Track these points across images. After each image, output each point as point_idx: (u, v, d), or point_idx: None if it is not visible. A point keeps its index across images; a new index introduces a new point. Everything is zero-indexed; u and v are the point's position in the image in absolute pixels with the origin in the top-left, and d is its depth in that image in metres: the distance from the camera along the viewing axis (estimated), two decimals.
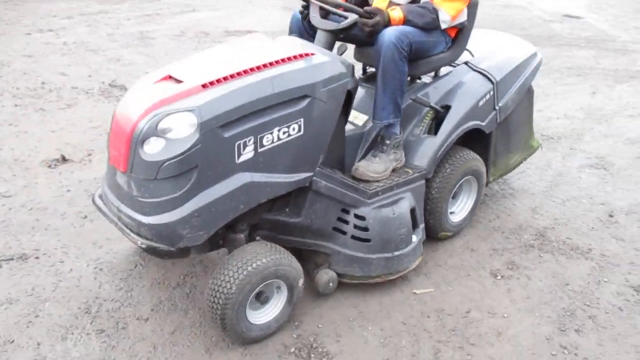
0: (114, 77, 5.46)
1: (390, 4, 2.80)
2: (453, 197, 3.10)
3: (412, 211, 2.78)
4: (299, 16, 2.81)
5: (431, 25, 2.70)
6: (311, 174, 2.44)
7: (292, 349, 2.39)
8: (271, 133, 2.26)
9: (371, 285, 2.74)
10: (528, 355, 2.45)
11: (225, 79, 2.21)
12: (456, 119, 2.93)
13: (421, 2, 2.75)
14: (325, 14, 2.70)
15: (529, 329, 2.60)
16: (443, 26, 2.74)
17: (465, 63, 3.13)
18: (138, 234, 2.21)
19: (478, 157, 3.11)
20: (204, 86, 2.18)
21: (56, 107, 4.73)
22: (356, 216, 2.62)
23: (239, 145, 2.19)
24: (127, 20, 7.58)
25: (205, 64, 2.38)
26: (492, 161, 3.30)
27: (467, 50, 3.10)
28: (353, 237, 2.62)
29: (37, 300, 2.59)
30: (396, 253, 2.68)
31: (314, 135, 2.39)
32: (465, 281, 2.89)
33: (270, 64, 2.30)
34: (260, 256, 2.26)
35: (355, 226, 2.62)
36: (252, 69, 2.26)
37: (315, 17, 2.65)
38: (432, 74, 3.09)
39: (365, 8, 2.58)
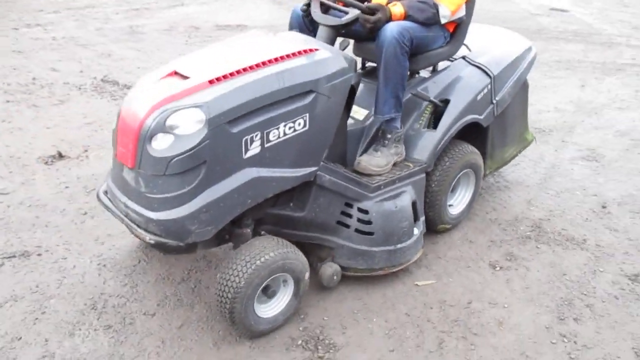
0: (105, 72, 5.43)
1: None
2: (452, 190, 3.14)
3: (414, 204, 2.81)
4: (300, 12, 2.82)
5: (431, 20, 2.73)
6: (316, 168, 2.47)
7: (299, 342, 2.42)
8: (277, 128, 2.28)
9: (374, 277, 2.78)
10: (529, 344, 2.51)
11: (231, 74, 2.23)
12: (455, 113, 2.97)
13: None
14: (326, 9, 2.72)
15: (529, 319, 2.65)
16: (443, 21, 2.77)
17: (463, 57, 3.17)
18: (146, 230, 2.22)
19: (476, 150, 3.15)
20: (210, 82, 2.19)
21: (49, 103, 4.69)
22: (359, 210, 2.65)
23: (246, 140, 2.21)
24: (115, 15, 7.52)
25: (211, 59, 2.39)
26: (489, 154, 3.35)
27: (464, 44, 3.14)
28: (357, 230, 2.65)
29: (42, 297, 2.59)
30: (399, 246, 2.72)
31: (318, 130, 2.42)
32: (465, 273, 2.94)
33: (276, 59, 2.32)
34: (268, 250, 2.29)
35: (359, 220, 2.65)
36: (257, 65, 2.28)
37: (316, 13, 2.67)
38: (430, 68, 3.12)
39: (368, 5, 2.60)
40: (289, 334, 2.46)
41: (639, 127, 4.92)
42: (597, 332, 2.59)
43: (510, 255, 3.09)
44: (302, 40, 2.52)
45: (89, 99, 4.81)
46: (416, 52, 2.78)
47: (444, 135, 2.93)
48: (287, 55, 2.35)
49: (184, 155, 2.11)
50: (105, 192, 2.51)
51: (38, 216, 3.17)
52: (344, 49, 2.60)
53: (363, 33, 2.74)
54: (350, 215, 2.65)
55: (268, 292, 2.40)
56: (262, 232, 2.56)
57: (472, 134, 3.19)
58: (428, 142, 2.92)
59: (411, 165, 2.86)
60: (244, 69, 2.25)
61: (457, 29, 2.99)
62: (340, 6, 2.71)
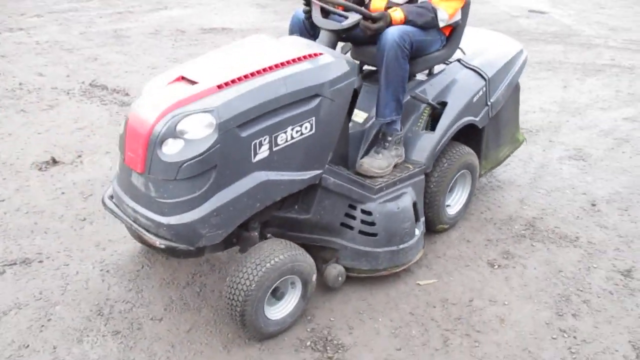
0: (93, 76, 5.38)
1: (389, 3, 2.88)
2: (449, 191, 3.20)
3: (414, 205, 2.86)
4: (300, 16, 2.85)
5: (430, 24, 2.79)
6: (321, 171, 2.50)
7: (308, 343, 2.45)
8: (285, 132, 2.31)
9: (376, 278, 2.82)
10: (531, 339, 2.57)
11: (239, 79, 2.25)
12: (452, 115, 3.03)
13: (419, 1, 2.84)
14: (326, 14, 2.75)
15: (529, 315, 2.72)
16: (441, 24, 2.83)
17: (458, 60, 3.23)
18: (156, 235, 2.22)
19: (472, 151, 3.22)
20: (219, 87, 2.21)
21: (38, 108, 4.65)
22: (363, 211, 2.69)
23: (255, 144, 2.24)
24: (99, 19, 7.46)
25: (217, 64, 2.41)
26: (483, 155, 3.41)
27: (459, 48, 3.20)
28: (360, 232, 2.69)
29: (46, 304, 2.58)
30: (401, 246, 2.76)
31: (324, 134, 2.45)
32: (465, 271, 3.00)
33: (282, 64, 2.35)
34: (278, 253, 2.31)
35: (363, 221, 2.69)
36: (264, 70, 2.31)
37: (317, 17, 2.70)
38: (426, 71, 3.17)
39: (372, 14, 2.63)
40: (297, 336, 2.49)
41: (621, 126, 5.05)
42: (594, 326, 2.67)
43: (507, 254, 3.16)
44: (305, 45, 2.55)
45: (79, 103, 4.77)
46: (415, 56, 2.83)
47: (442, 137, 2.99)
48: (293, 60, 2.38)
49: (195, 159, 2.12)
50: (111, 197, 2.51)
51: (36, 222, 3.15)
52: (346, 53, 2.64)
53: (363, 37, 2.78)
54: (354, 217, 2.69)
55: (277, 294, 2.42)
56: (268, 235, 2.58)
57: (467, 135, 3.25)
58: (427, 144, 2.97)
59: (411, 166, 2.91)
60: (252, 74, 2.28)
61: (452, 33, 3.05)
62: (340, 10, 2.75)
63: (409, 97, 2.95)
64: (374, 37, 2.68)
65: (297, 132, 2.34)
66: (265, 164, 2.29)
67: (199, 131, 2.13)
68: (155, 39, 6.72)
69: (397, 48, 2.63)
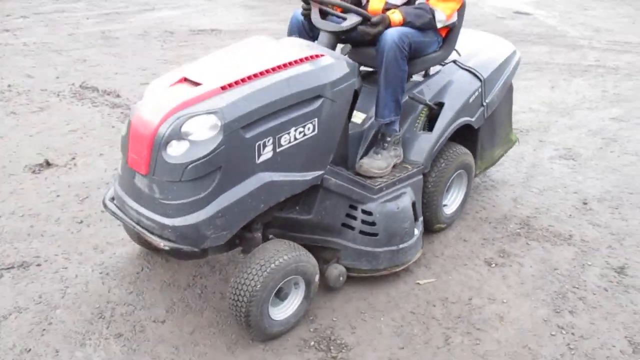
0: (83, 78, 5.35)
1: (387, 4, 2.90)
2: (446, 191, 3.23)
3: (413, 205, 2.89)
4: (299, 17, 2.86)
5: (428, 25, 2.81)
6: (323, 171, 2.51)
7: (312, 343, 2.46)
8: (288, 133, 2.32)
9: (377, 278, 2.83)
10: (530, 336, 2.61)
11: (243, 80, 2.25)
12: (450, 116, 3.06)
13: (417, 2, 2.86)
14: (324, 15, 2.77)
15: (527, 313, 2.75)
16: (439, 25, 2.86)
17: (454, 62, 3.27)
18: (161, 237, 2.22)
19: (469, 151, 3.25)
20: (223, 88, 2.22)
21: (28, 110, 4.60)
22: (363, 212, 2.71)
23: (259, 145, 2.24)
24: (86, 20, 7.41)
25: (220, 66, 2.41)
26: (479, 155, 3.45)
27: (454, 49, 3.23)
28: (361, 232, 2.71)
29: (47, 308, 2.55)
30: (401, 246, 2.78)
31: (326, 135, 2.46)
32: (463, 270, 3.03)
33: (284, 65, 2.36)
34: (282, 253, 2.32)
35: (363, 221, 2.71)
36: (267, 71, 2.31)
37: (317, 18, 2.71)
38: (422, 72, 3.20)
39: (371, 16, 2.65)
40: (301, 336, 2.50)
41: (608, 126, 5.14)
42: (591, 323, 2.71)
43: (503, 252, 3.20)
44: (306, 46, 2.56)
45: (70, 105, 4.73)
46: (413, 57, 2.85)
47: (439, 138, 3.02)
48: (295, 61, 2.39)
49: (200, 161, 2.12)
50: (112, 199, 2.49)
51: (32, 225, 3.12)
52: (346, 54, 2.66)
53: (362, 39, 2.79)
54: (354, 217, 2.71)
55: (280, 295, 2.43)
56: (270, 236, 2.59)
57: (463, 135, 3.28)
58: (424, 144, 3.00)
59: (409, 167, 2.93)
60: (255, 75, 2.28)
61: (449, 34, 3.08)
62: (338, 12, 2.76)
63: (406, 97, 2.97)
64: (373, 39, 2.70)
65: (300, 133, 2.35)
66: (269, 165, 2.29)
67: (204, 132, 2.13)
68: (144, 41, 6.69)
69: (396, 49, 2.65)
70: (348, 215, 2.71)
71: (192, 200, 2.17)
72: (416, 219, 2.92)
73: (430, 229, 3.21)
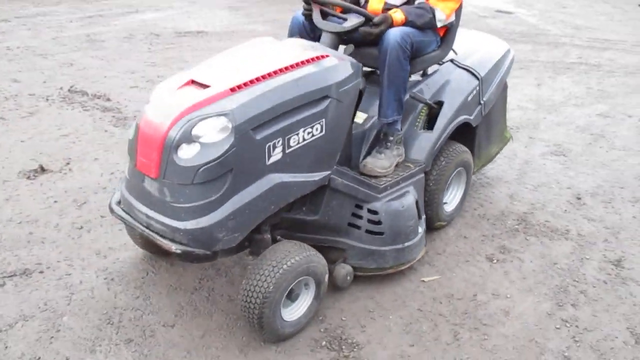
0: (71, 82, 5.27)
1: (387, 4, 2.92)
2: (446, 189, 3.26)
3: (416, 203, 2.91)
4: (300, 18, 2.87)
5: (428, 25, 2.84)
6: (330, 172, 2.52)
7: (323, 343, 2.47)
8: (297, 134, 2.32)
9: (382, 276, 2.85)
10: (536, 330, 2.65)
11: (251, 82, 2.25)
12: (449, 114, 3.09)
13: (417, 2, 2.89)
14: (325, 15, 2.78)
15: (531, 307, 2.79)
16: (438, 25, 2.88)
17: (451, 61, 3.30)
18: (172, 240, 2.20)
19: (467, 149, 3.29)
20: (232, 90, 2.21)
21: (17, 115, 4.53)
22: (369, 211, 2.72)
23: (269, 147, 2.24)
24: (69, 23, 7.30)
25: (227, 67, 2.41)
26: (476, 153, 3.49)
27: (452, 48, 3.27)
28: (367, 231, 2.72)
29: (53, 315, 2.52)
30: (407, 244, 2.80)
31: (333, 135, 2.48)
32: (465, 267, 3.06)
33: (292, 66, 2.36)
34: (293, 254, 2.32)
35: (369, 220, 2.72)
36: (275, 72, 2.32)
37: (318, 19, 2.72)
38: (420, 72, 3.23)
39: (373, 16, 2.66)
40: (312, 336, 2.50)
41: (595, 122, 5.24)
42: (593, 315, 2.76)
43: (503, 248, 3.24)
44: (310, 47, 2.57)
45: (60, 110, 4.67)
46: (413, 56, 2.87)
47: (440, 136, 3.05)
48: (302, 62, 2.40)
49: (212, 163, 2.12)
50: (118, 203, 2.47)
51: (31, 232, 3.07)
52: (348, 55, 2.66)
53: (363, 39, 2.80)
54: (360, 217, 2.72)
55: (291, 296, 2.43)
56: (278, 237, 2.58)
57: (461, 134, 3.32)
58: (425, 143, 3.03)
59: (411, 166, 2.96)
60: (263, 76, 2.28)
61: (447, 33, 3.11)
62: (338, 12, 2.78)
63: (407, 97, 3.00)
64: (376, 39, 2.71)
65: (308, 133, 2.36)
66: (278, 166, 2.30)
67: (215, 135, 2.13)
68: (130, 43, 6.62)
69: (398, 49, 2.67)
70: (354, 215, 2.72)
71: (204, 203, 2.16)
72: (419, 217, 2.94)
73: (431, 227, 3.24)
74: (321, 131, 2.41)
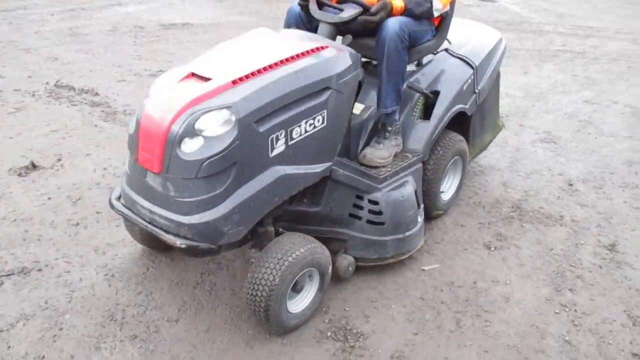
0: (57, 77, 5.19)
1: None
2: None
3: (415, 193, 2.92)
4: (296, 9, 2.85)
5: (426, 14, 2.84)
6: (331, 163, 2.52)
7: (329, 334, 2.47)
8: (299, 126, 2.31)
9: (383, 266, 2.86)
10: (536, 315, 2.68)
11: (253, 74, 2.24)
12: (446, 104, 3.10)
13: None
14: (321, 6, 2.76)
15: (530, 293, 2.83)
16: (435, 14, 2.89)
17: (445, 50, 3.31)
18: (177, 235, 2.19)
19: (463, 138, 3.30)
20: (234, 82, 2.19)
21: (4, 111, 4.45)
22: (370, 201, 2.73)
23: (272, 139, 2.23)
24: (51, 16, 7.18)
25: (227, 60, 2.38)
26: (471, 142, 3.51)
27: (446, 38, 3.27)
28: (368, 221, 2.73)
29: (55, 314, 2.49)
30: (407, 233, 2.82)
31: (334, 126, 2.47)
32: (464, 255, 3.09)
33: (292, 57, 2.35)
34: (298, 246, 2.32)
35: (370, 211, 2.73)
36: (276, 64, 2.30)
37: (315, 10, 2.70)
38: (415, 62, 3.23)
39: (370, 6, 2.65)
40: (317, 327, 2.51)
41: (582, 109, 5.30)
42: (591, 299, 2.81)
43: (499, 236, 3.28)
44: (309, 38, 2.56)
45: (47, 105, 4.60)
46: (409, 46, 2.87)
47: (437, 126, 3.06)
48: (302, 54, 2.38)
49: (216, 157, 2.10)
50: (118, 198, 2.45)
51: (27, 230, 3.03)
52: (347, 45, 2.66)
53: (362, 30, 2.79)
54: (361, 207, 2.73)
55: (296, 288, 2.43)
56: (280, 230, 2.58)
57: (455, 123, 3.33)
58: (423, 132, 3.03)
59: (409, 155, 2.97)
60: (264, 68, 2.27)
61: (441, 23, 3.12)
62: (334, 3, 2.76)
63: (404, 87, 3.00)
64: (374, 29, 2.71)
65: (310, 125, 2.35)
66: (281, 159, 2.29)
67: (219, 128, 2.11)
68: (115, 37, 6.53)
69: (397, 39, 2.67)
70: (355, 206, 2.72)
71: (209, 197, 2.15)
72: (418, 207, 2.96)
73: (429, 216, 3.26)
74: (323, 123, 2.40)
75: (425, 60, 3.24)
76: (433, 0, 2.83)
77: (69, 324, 2.44)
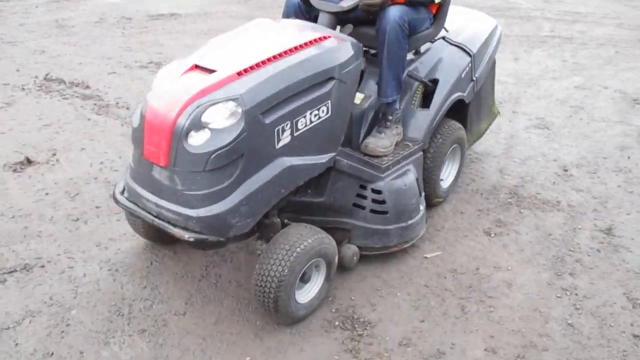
0: (46, 70, 5.11)
1: None
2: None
3: (417, 181, 2.94)
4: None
5: (427, 1, 2.84)
6: (335, 153, 2.52)
7: (336, 323, 2.49)
8: (304, 117, 2.31)
9: (386, 255, 2.88)
10: (538, 300, 2.72)
11: (257, 65, 2.23)
12: (445, 92, 3.11)
13: None
14: None
15: (531, 278, 2.87)
16: (436, 0, 2.88)
17: (443, 38, 3.31)
18: (185, 228, 2.18)
19: (461, 126, 3.32)
20: (239, 74, 2.18)
21: None
22: (373, 190, 2.74)
23: (278, 130, 2.23)
24: (35, 8, 7.06)
25: (230, 51, 2.36)
26: (468, 129, 3.53)
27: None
28: (372, 210, 2.74)
29: (61, 310, 2.48)
30: (410, 222, 2.83)
31: (338, 116, 2.47)
32: (465, 241, 3.11)
33: (295, 48, 2.34)
34: (306, 237, 2.33)
35: (374, 200, 2.74)
36: (280, 54, 2.29)
37: (315, 0, 2.69)
38: (413, 50, 3.23)
39: None
40: (324, 317, 2.52)
41: (573, 95, 5.34)
42: (591, 283, 2.85)
43: (499, 222, 3.31)
44: (310, 28, 2.55)
45: (38, 99, 4.53)
46: (409, 34, 2.87)
47: (436, 114, 3.07)
48: (305, 44, 2.38)
49: (224, 149, 2.09)
50: (122, 193, 2.43)
51: (26, 227, 3.00)
52: (348, 35, 2.65)
53: (362, 19, 2.79)
54: (364, 197, 2.74)
55: (304, 278, 2.44)
56: (285, 221, 2.58)
57: (452, 111, 3.34)
58: (422, 121, 3.05)
59: (410, 144, 2.98)
60: (269, 59, 2.26)
61: (439, 10, 3.12)
62: None
63: (404, 75, 3.00)
64: (374, 18, 2.70)
65: (315, 116, 2.35)
66: (287, 150, 2.29)
67: (226, 120, 2.10)
68: (102, 28, 6.44)
69: (397, 28, 2.67)
70: (358, 195, 2.73)
71: (217, 189, 2.14)
72: (420, 195, 2.97)
73: (429, 204, 3.27)
74: (327, 113, 2.40)
75: (423, 48, 3.24)
76: None
77: (76, 320, 2.43)
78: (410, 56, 3.22)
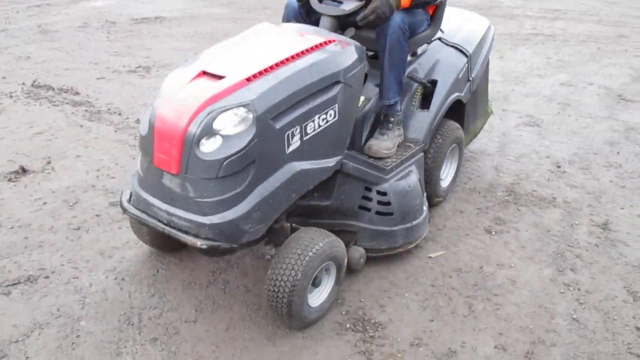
0: (32, 76, 5.04)
1: None
2: None
3: (419, 182, 2.96)
4: (294, 3, 2.84)
5: (430, 3, 2.86)
6: (342, 156, 2.53)
7: (347, 325, 2.50)
8: (313, 121, 2.32)
9: (390, 256, 2.90)
10: (542, 296, 2.76)
11: (266, 70, 2.23)
12: (443, 92, 3.14)
13: None
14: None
15: (534, 274, 2.91)
16: (436, 1, 2.91)
17: (439, 39, 3.34)
18: (197, 236, 2.17)
19: (460, 126, 3.36)
20: (248, 79, 2.18)
21: None
22: (378, 192, 2.75)
23: (288, 135, 2.23)
24: (16, 13, 6.95)
25: (236, 57, 2.36)
26: (465, 129, 3.57)
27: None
28: (378, 212, 2.76)
29: (69, 321, 2.45)
30: (414, 222, 2.86)
31: (345, 119, 2.48)
32: (467, 240, 3.15)
33: (302, 52, 2.35)
34: (317, 241, 2.33)
35: (379, 202, 2.76)
36: (287, 59, 2.29)
37: (316, 3, 2.70)
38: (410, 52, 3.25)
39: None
40: (335, 320, 2.53)
41: (559, 91, 5.43)
42: (592, 277, 2.91)
43: (498, 220, 3.35)
44: (314, 32, 2.55)
45: (27, 106, 4.46)
46: (409, 37, 2.90)
47: (436, 114, 3.10)
48: (311, 48, 2.38)
49: (236, 155, 2.09)
50: (128, 201, 2.41)
51: (27, 237, 2.95)
52: (350, 38, 2.66)
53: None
54: (370, 199, 2.75)
55: (315, 282, 2.44)
56: (294, 225, 2.58)
57: (450, 111, 3.37)
58: (423, 122, 3.07)
59: (411, 145, 3.00)
60: (277, 64, 2.26)
61: (436, 12, 3.15)
62: None
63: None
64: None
65: (323, 120, 2.36)
66: (297, 155, 2.29)
67: (237, 126, 2.10)
68: (87, 32, 6.36)
69: (399, 31, 2.69)
70: (364, 198, 2.75)
71: (229, 196, 2.14)
72: (423, 195, 3.00)
73: (430, 204, 3.29)
74: (334, 117, 2.41)
75: (420, 50, 3.27)
76: None
77: (86, 331, 2.40)
78: (408, 58, 3.24)
